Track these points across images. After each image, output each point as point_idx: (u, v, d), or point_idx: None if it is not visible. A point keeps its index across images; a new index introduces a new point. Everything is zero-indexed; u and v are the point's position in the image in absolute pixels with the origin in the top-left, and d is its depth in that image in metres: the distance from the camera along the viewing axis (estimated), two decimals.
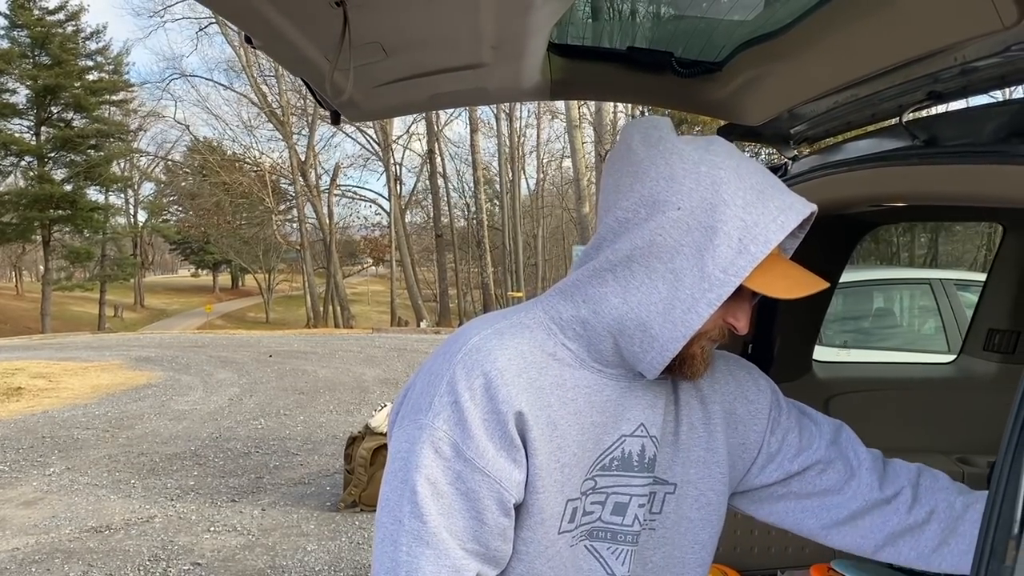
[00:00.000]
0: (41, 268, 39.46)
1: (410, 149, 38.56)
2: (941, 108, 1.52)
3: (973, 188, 1.24)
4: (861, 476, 1.26)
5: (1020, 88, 1.68)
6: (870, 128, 1.73)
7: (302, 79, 1.54)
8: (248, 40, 1.26)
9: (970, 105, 1.45)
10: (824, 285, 1.06)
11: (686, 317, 1.02)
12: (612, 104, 23.03)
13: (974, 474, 2.42)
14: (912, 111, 1.46)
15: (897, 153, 1.44)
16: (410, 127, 36.51)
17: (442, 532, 1.00)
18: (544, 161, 38.58)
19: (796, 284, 1.05)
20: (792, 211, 1.03)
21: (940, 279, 6.62)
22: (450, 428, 1.01)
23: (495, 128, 34.76)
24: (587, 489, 1.11)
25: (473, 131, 31.95)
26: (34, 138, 35.49)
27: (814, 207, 1.07)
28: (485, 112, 33.35)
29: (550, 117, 35.26)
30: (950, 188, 1.32)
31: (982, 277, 3.24)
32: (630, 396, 1.13)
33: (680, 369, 1.10)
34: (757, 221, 1.01)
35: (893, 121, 1.54)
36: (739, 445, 1.25)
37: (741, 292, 1.05)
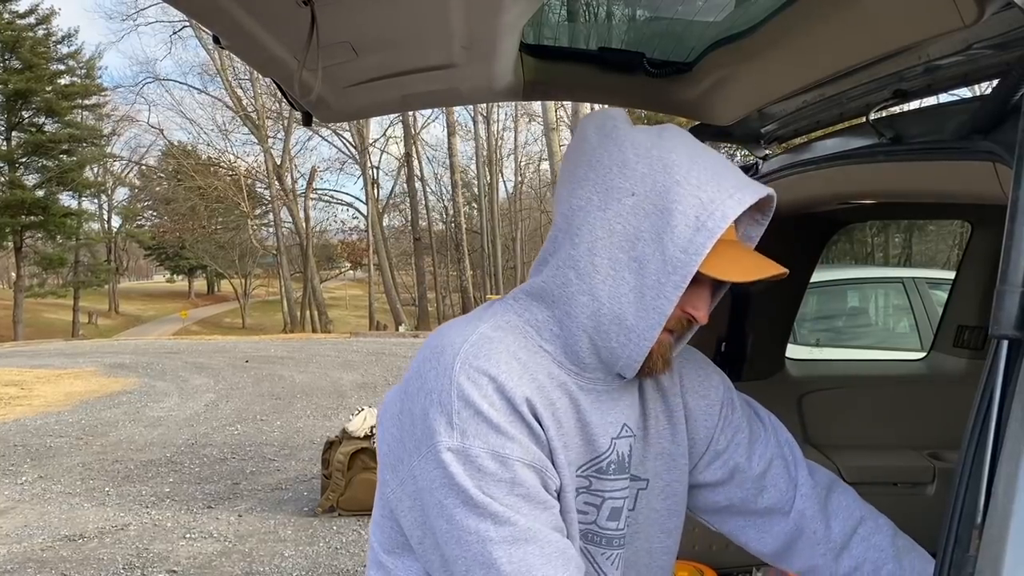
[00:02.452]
0: (13, 275, 38.91)
1: (387, 152, 38.54)
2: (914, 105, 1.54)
3: (937, 184, 1.26)
4: (799, 501, 1.25)
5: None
6: (839, 127, 1.75)
7: (272, 80, 1.53)
8: (216, 40, 1.25)
9: (937, 102, 1.48)
10: (781, 270, 1.05)
11: (656, 303, 1.01)
12: (589, 106, 23.07)
13: (944, 469, 2.45)
14: (879, 109, 1.48)
15: (864, 151, 1.46)
16: (387, 130, 36.45)
17: (533, 525, 0.98)
18: (522, 164, 38.68)
19: (751, 268, 1.05)
20: (748, 190, 1.03)
21: (912, 277, 6.70)
22: (483, 440, 0.98)
23: (473, 131, 34.80)
24: (580, 487, 1.11)
25: (450, 134, 31.93)
26: (5, 143, 35.00)
27: (771, 191, 1.07)
28: (462, 115, 33.39)
29: (527, 120, 35.36)
30: (915, 185, 1.34)
31: (953, 275, 3.28)
32: (611, 398, 1.13)
33: (643, 365, 1.08)
34: (713, 198, 1.00)
35: (861, 120, 1.56)
36: (690, 439, 1.25)
37: (699, 280, 1.04)
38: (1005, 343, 0.82)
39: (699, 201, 1.00)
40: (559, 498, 1.05)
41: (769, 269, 1.05)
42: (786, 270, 1.06)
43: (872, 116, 1.46)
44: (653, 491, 1.21)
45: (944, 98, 1.52)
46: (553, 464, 1.05)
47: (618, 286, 1.03)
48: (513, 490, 0.98)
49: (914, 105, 1.50)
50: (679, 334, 1.11)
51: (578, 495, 1.10)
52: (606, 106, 1.84)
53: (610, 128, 1.07)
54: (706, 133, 2.10)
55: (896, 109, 1.52)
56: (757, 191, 1.04)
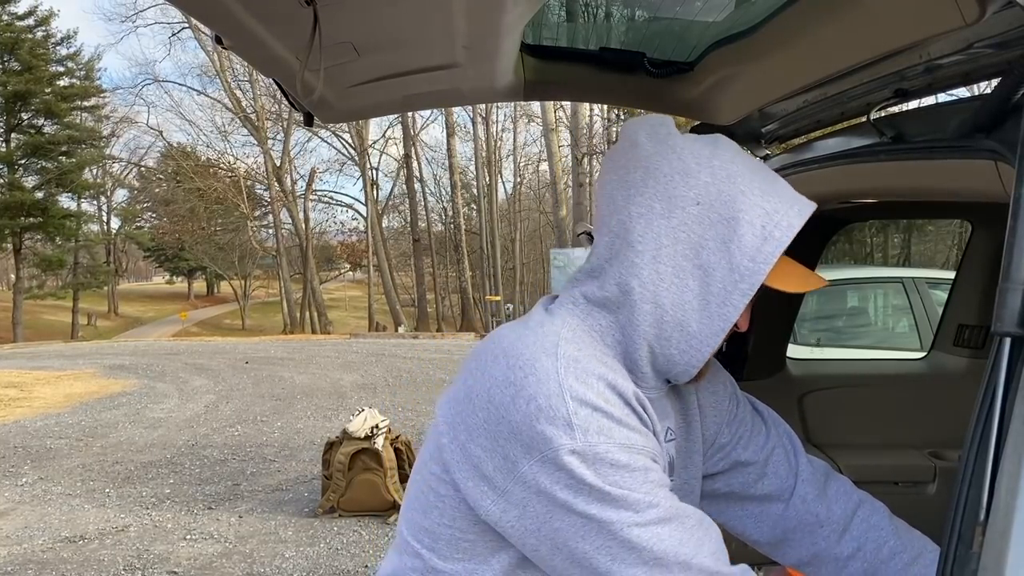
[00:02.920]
0: (12, 277, 38.88)
1: (386, 153, 38.52)
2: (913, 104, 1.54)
3: (939, 183, 1.27)
4: (799, 487, 1.29)
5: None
6: (839, 126, 1.75)
7: (274, 80, 1.53)
8: (218, 41, 1.25)
9: (937, 101, 1.48)
10: (826, 282, 1.10)
11: (722, 311, 1.03)
12: (588, 107, 23.10)
13: (946, 468, 2.45)
14: (880, 108, 1.48)
15: (865, 150, 1.46)
16: (386, 131, 36.48)
17: (672, 503, 0.99)
18: (521, 165, 38.66)
19: (805, 279, 1.08)
20: (803, 201, 1.06)
21: (912, 277, 6.71)
22: (608, 435, 0.96)
23: (472, 132, 34.79)
24: None
25: (450, 135, 31.96)
26: (4, 145, 34.98)
27: (815, 204, 1.09)
28: (461, 116, 33.41)
29: (527, 121, 35.34)
30: (916, 183, 1.34)
31: (953, 275, 3.28)
32: (660, 403, 1.14)
33: None
34: (776, 208, 1.02)
35: (862, 119, 1.56)
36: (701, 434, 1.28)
37: None
38: (1008, 341, 0.83)
39: (764, 211, 1.02)
40: None
41: (819, 281, 1.10)
42: (827, 281, 1.10)
43: (873, 115, 1.46)
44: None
45: (943, 97, 1.53)
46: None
47: (682, 293, 1.03)
48: (647, 478, 0.98)
49: (915, 104, 1.50)
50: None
51: None
52: (608, 106, 1.84)
53: (664, 135, 1.07)
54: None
55: (897, 108, 1.52)
56: (810, 204, 1.07)
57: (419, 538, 1.10)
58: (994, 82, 1.12)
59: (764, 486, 1.29)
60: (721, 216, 1.02)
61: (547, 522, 0.99)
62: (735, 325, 1.08)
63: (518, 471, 0.98)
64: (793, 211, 1.03)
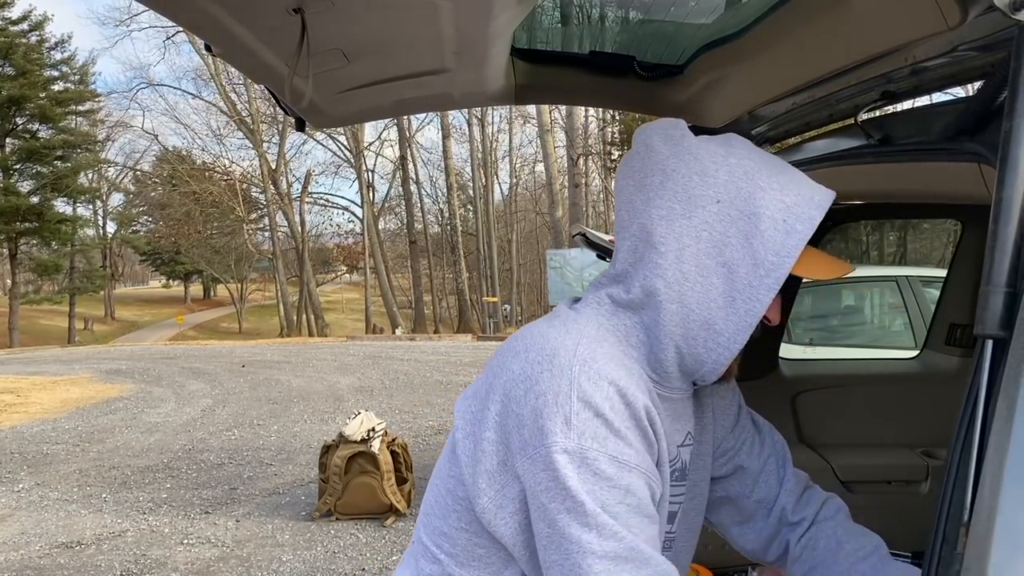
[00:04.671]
0: (8, 282, 38.82)
1: (382, 156, 38.61)
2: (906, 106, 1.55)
3: (925, 185, 1.28)
4: (781, 496, 1.32)
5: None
6: (828, 128, 1.76)
7: (265, 86, 1.54)
8: (208, 48, 1.26)
9: (923, 104, 1.49)
10: (852, 268, 1.10)
11: (749, 306, 1.03)
12: (583, 108, 23.15)
13: (938, 467, 2.46)
14: (867, 111, 1.49)
15: (852, 152, 1.47)
16: (381, 133, 36.49)
17: (637, 543, 0.96)
18: (517, 166, 38.72)
19: (833, 266, 1.09)
20: (822, 191, 1.06)
21: (906, 276, 6.72)
22: (602, 443, 0.95)
23: (467, 134, 34.83)
24: None
25: (445, 137, 31.95)
26: None
27: (835, 192, 1.09)
28: (457, 118, 33.41)
29: (522, 122, 35.38)
30: (903, 185, 1.35)
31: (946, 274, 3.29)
32: (681, 406, 1.15)
33: None
34: (797, 202, 1.03)
35: (850, 121, 1.57)
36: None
37: None
38: (990, 343, 0.83)
39: (784, 205, 1.02)
40: (658, 506, 1.05)
41: (845, 266, 1.09)
42: (853, 267, 1.11)
43: (861, 117, 1.47)
44: (689, 492, 1.25)
45: (924, 100, 1.53)
46: (659, 471, 1.05)
47: (707, 291, 1.03)
48: (626, 498, 0.96)
49: (904, 106, 1.51)
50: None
51: None
52: (600, 108, 1.85)
53: (678, 137, 1.08)
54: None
55: (884, 110, 1.53)
56: (829, 193, 1.07)
57: (438, 543, 1.10)
58: (978, 85, 1.13)
59: (756, 493, 1.32)
60: (742, 212, 1.02)
61: (532, 521, 0.99)
62: (767, 319, 1.09)
63: (516, 464, 0.99)
64: (813, 203, 1.04)
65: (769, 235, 1.01)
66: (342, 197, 49.24)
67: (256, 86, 29.99)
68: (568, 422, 0.95)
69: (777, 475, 1.33)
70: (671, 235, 1.04)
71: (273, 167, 33.79)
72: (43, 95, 34.93)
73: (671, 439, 1.12)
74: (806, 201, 1.03)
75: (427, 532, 1.12)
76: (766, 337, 2.52)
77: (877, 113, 1.51)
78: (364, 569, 5.03)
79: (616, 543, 0.94)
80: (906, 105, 1.54)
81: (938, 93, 1.43)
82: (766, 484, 1.32)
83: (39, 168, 35.48)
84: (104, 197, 44.38)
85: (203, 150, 38.95)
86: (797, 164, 1.72)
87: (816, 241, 2.49)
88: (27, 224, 34.55)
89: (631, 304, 1.07)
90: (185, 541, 5.62)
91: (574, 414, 0.96)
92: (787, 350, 2.74)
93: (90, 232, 43.36)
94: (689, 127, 2.07)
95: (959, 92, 1.50)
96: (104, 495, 6.85)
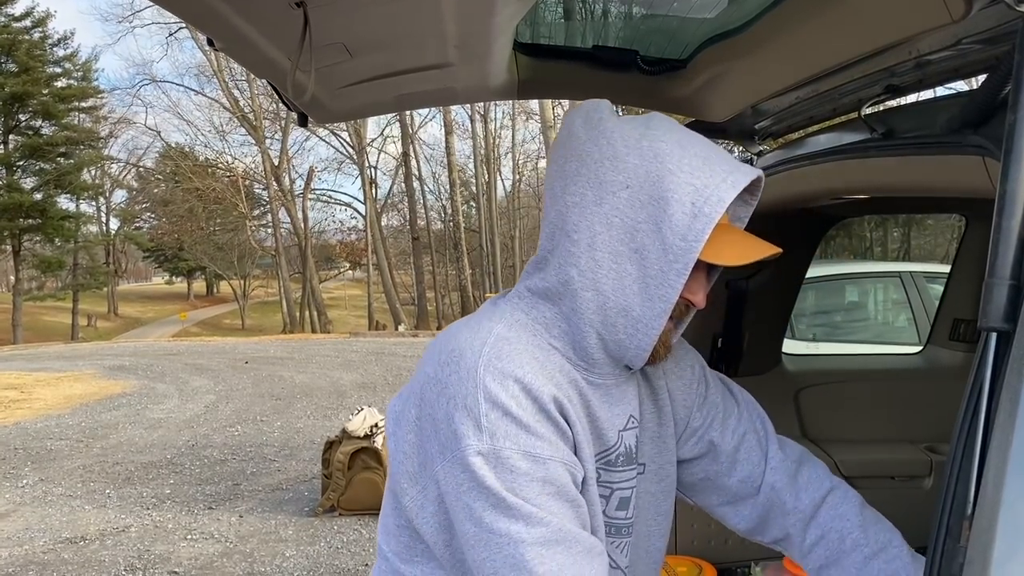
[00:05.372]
0: (12, 278, 38.87)
1: (385, 152, 38.55)
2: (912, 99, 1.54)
3: (928, 179, 1.27)
4: (768, 474, 1.29)
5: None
6: (832, 122, 1.75)
7: (267, 81, 1.54)
8: (210, 43, 1.26)
9: (927, 97, 1.48)
10: (775, 250, 1.06)
11: (661, 292, 1.02)
12: None
13: (941, 462, 2.46)
14: (871, 105, 1.49)
15: (856, 146, 1.47)
16: (384, 129, 36.43)
17: (564, 525, 0.98)
18: (520, 162, 38.63)
19: (748, 250, 1.06)
20: (740, 172, 1.04)
21: (910, 272, 6.71)
22: (514, 441, 0.97)
23: (470, 130, 34.78)
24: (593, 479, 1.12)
25: (448, 133, 31.91)
26: (2, 147, 34.96)
27: (760, 172, 1.08)
28: (460, 114, 33.36)
29: (525, 118, 35.33)
30: (907, 179, 1.34)
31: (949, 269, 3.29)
32: (618, 391, 1.14)
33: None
34: (707, 183, 1.01)
35: (854, 115, 1.57)
36: (672, 419, 1.28)
37: (696, 266, 1.04)
38: (993, 336, 0.83)
39: (693, 188, 1.01)
40: (584, 489, 1.06)
41: (763, 250, 1.06)
42: (779, 249, 1.07)
43: (864, 111, 1.47)
44: (649, 475, 1.23)
45: (928, 94, 1.53)
46: (578, 457, 1.05)
47: (621, 279, 1.03)
48: (545, 488, 0.98)
49: (906, 100, 1.50)
50: (678, 320, 1.12)
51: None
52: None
53: (596, 120, 1.07)
54: (700, 130, 2.10)
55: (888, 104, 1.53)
56: (748, 173, 1.05)
57: (387, 541, 1.13)
58: (982, 78, 1.12)
59: (737, 473, 1.29)
60: (651, 197, 1.01)
61: (454, 523, 1.01)
62: (692, 303, 1.09)
63: (435, 468, 1.01)
64: (725, 184, 1.01)
65: (677, 219, 1.00)
66: (345, 193, 49.52)
67: (258, 82, 30.02)
68: (479, 424, 0.97)
69: (759, 451, 1.30)
70: (583, 223, 1.04)
71: (276, 163, 33.77)
72: (46, 92, 34.95)
73: (610, 424, 1.12)
74: (718, 183, 1.01)
75: (380, 531, 1.15)
76: (769, 333, 2.52)
77: (881, 107, 1.51)
78: (367, 564, 5.04)
79: (544, 528, 0.96)
80: (910, 99, 1.54)
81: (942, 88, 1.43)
82: (747, 461, 1.29)
83: (42, 165, 35.50)
84: (107, 194, 44.45)
85: (206, 146, 38.96)
86: (800, 158, 1.72)
87: (818, 235, 2.49)
88: (30, 221, 34.59)
89: (549, 294, 1.08)
90: (188, 537, 5.64)
91: (483, 415, 0.97)
92: (790, 346, 2.74)
93: (93, 229, 43.50)
94: (691, 121, 2.08)
95: (962, 86, 1.50)
96: (108, 491, 6.87)
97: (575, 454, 1.05)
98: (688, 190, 1.00)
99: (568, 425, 1.03)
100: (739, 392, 1.36)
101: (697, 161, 1.02)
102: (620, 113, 1.18)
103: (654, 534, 1.26)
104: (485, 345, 1.02)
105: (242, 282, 43.08)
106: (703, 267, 1.08)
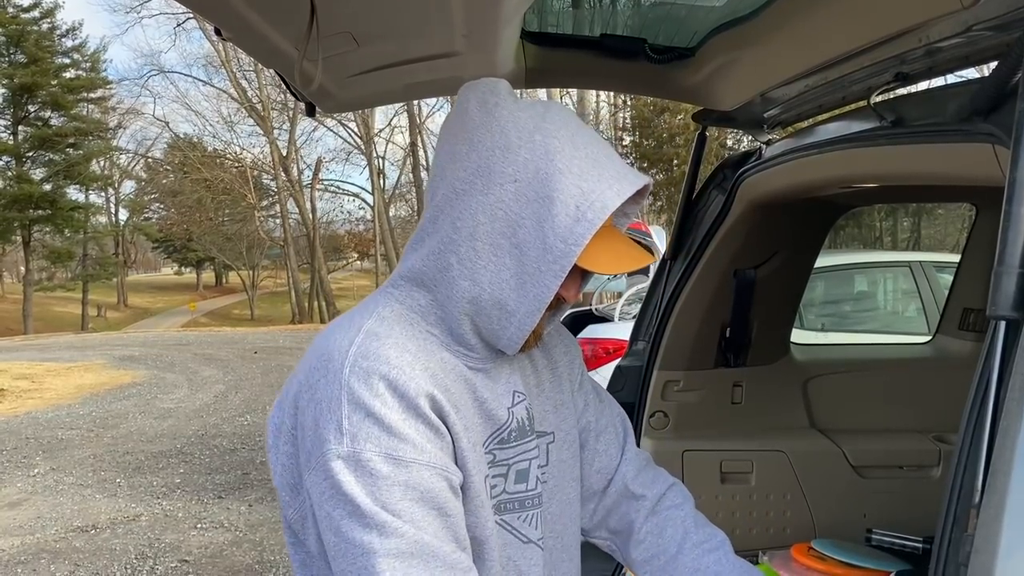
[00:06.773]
0: (22, 269, 39.10)
1: (392, 142, 38.45)
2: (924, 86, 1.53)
3: (938, 167, 1.26)
4: (622, 465, 1.33)
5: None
6: (841, 110, 1.74)
7: (275, 71, 1.54)
8: (218, 32, 1.26)
9: (936, 85, 1.47)
10: (649, 260, 1.07)
11: (537, 291, 1.01)
12: (594, 93, 23.02)
13: (951, 452, 2.45)
14: (881, 92, 1.48)
15: (866, 134, 1.46)
16: (392, 120, 36.53)
17: (423, 537, 0.94)
18: None
19: (623, 259, 1.05)
20: (627, 180, 1.02)
21: (920, 261, 6.67)
22: (375, 443, 0.94)
23: None
24: (488, 462, 1.11)
25: None
26: (11, 137, 35.09)
27: (648, 178, 1.07)
28: None
29: None
30: (917, 167, 1.34)
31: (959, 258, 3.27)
32: (498, 371, 1.13)
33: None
34: (593, 188, 0.99)
35: (863, 103, 1.56)
36: None
37: (573, 266, 1.03)
38: (1003, 324, 0.83)
39: (580, 191, 0.99)
40: (466, 487, 1.03)
41: (639, 260, 1.06)
42: (652, 258, 1.07)
43: (874, 99, 1.46)
44: (559, 442, 1.24)
45: (938, 81, 1.52)
46: (456, 454, 1.02)
47: (499, 272, 1.02)
48: (407, 494, 0.95)
49: (916, 88, 1.49)
50: (553, 312, 1.13)
51: (489, 472, 1.10)
52: (611, 93, 1.84)
53: (492, 105, 1.04)
54: (709, 118, 2.10)
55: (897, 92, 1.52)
56: (635, 181, 1.03)
57: (293, 556, 1.12)
58: (993, 65, 1.11)
59: (597, 462, 1.32)
60: (537, 194, 1.00)
61: (322, 534, 0.99)
62: (564, 298, 1.09)
63: (303, 477, 0.99)
64: (611, 191, 0.99)
65: (559, 220, 0.98)
66: (353, 184, 49.47)
67: (266, 72, 30.01)
68: (340, 427, 0.94)
69: (617, 443, 1.33)
70: (467, 210, 1.02)
71: (284, 154, 33.82)
72: (55, 83, 35.06)
73: (498, 403, 1.11)
74: (604, 189, 0.99)
75: (288, 543, 1.14)
76: (778, 322, 2.51)
77: (891, 95, 1.50)
78: None
79: (399, 540, 0.93)
80: (920, 87, 1.52)
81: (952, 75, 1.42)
82: (606, 453, 1.32)
83: (51, 156, 35.64)
84: (116, 185, 44.57)
85: (214, 137, 38.94)
86: (810, 147, 1.71)
87: (827, 224, 2.48)
88: (40, 212, 34.75)
89: (424, 280, 1.06)
90: (199, 525, 5.67)
91: (345, 418, 0.95)
92: (799, 335, 2.73)
93: (102, 220, 43.62)
94: (700, 110, 2.07)
95: (972, 74, 1.49)
96: (118, 480, 6.91)
97: (455, 449, 1.02)
98: (574, 192, 0.99)
99: (444, 421, 1.01)
100: (603, 391, 1.39)
101: (587, 164, 1.01)
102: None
103: (574, 499, 1.27)
104: (352, 344, 1.00)
105: (251, 272, 43.22)
106: (579, 268, 1.05)
